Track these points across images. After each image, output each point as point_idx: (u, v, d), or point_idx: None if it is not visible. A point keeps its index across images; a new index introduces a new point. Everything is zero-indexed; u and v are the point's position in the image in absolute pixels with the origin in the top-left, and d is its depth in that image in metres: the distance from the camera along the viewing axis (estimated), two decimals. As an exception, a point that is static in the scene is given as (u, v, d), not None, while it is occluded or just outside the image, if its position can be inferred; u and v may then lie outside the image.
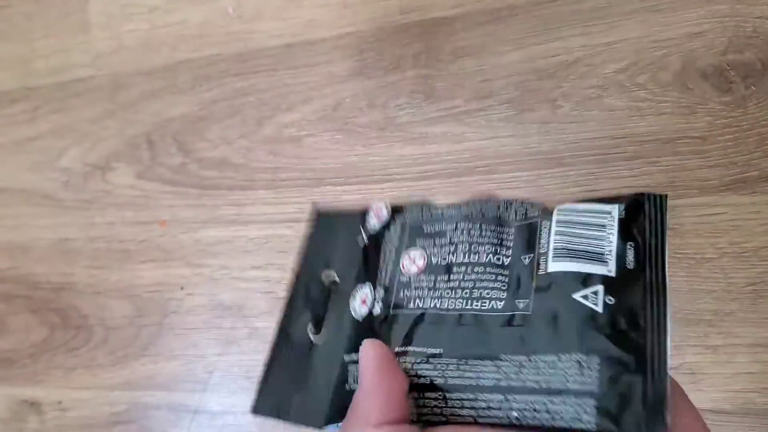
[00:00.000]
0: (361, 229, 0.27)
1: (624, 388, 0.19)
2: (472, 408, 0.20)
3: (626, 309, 0.20)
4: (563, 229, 0.22)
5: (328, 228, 0.27)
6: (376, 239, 0.26)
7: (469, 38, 0.45)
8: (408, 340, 0.23)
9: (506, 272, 0.23)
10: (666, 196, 0.22)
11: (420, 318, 0.23)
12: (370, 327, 0.24)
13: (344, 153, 0.48)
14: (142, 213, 0.53)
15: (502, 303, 0.22)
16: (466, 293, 0.23)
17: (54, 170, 0.54)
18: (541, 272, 0.22)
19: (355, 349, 0.23)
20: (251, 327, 0.51)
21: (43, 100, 0.54)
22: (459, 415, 0.20)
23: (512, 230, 0.24)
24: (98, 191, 0.53)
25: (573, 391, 0.19)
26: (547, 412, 0.19)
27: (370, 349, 0.22)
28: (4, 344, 0.57)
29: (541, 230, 0.23)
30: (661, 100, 0.41)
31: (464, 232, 0.24)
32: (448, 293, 0.23)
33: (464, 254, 0.23)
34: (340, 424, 0.22)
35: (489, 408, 0.20)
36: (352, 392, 0.22)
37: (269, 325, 0.49)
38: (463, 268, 0.23)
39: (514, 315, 0.22)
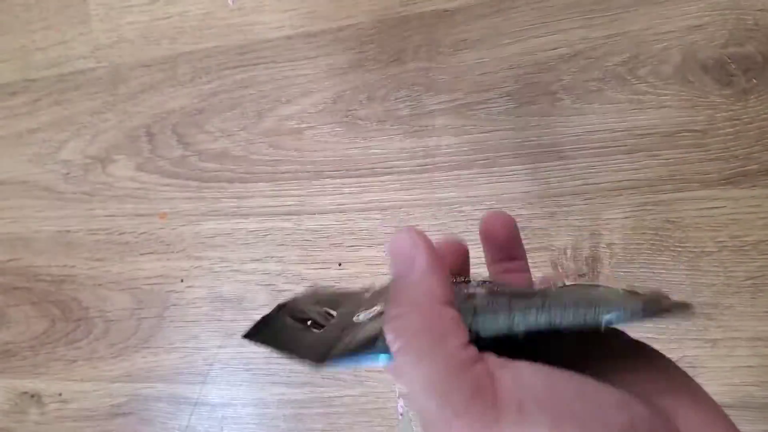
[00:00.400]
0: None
1: (654, 296, 0.19)
2: (510, 309, 0.19)
3: None
4: None
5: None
6: None
7: (469, 31, 0.44)
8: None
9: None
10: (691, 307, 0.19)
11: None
12: None
13: (344, 145, 0.48)
14: (142, 205, 0.53)
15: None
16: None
17: (54, 162, 0.54)
18: None
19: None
20: (251, 319, 0.50)
21: (43, 92, 0.54)
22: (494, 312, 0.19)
23: None
24: (98, 183, 0.53)
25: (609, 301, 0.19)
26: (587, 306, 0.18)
27: (413, 232, 0.20)
28: (5, 336, 0.58)
29: None
30: (662, 93, 0.41)
31: None
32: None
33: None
34: (371, 315, 0.21)
35: (528, 308, 0.19)
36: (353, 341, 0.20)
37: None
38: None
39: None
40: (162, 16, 0.51)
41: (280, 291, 0.50)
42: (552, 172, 0.43)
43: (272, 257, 0.50)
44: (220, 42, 0.50)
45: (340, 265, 0.48)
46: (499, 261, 0.27)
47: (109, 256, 0.54)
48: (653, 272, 0.43)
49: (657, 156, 0.42)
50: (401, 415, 0.48)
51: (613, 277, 0.43)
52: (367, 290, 0.26)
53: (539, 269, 0.44)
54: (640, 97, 0.42)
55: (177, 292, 0.53)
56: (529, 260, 0.28)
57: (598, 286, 0.22)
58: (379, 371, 0.48)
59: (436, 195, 0.46)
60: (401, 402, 0.48)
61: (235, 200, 0.50)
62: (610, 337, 0.21)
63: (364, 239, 0.48)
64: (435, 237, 0.22)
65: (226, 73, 0.50)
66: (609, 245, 0.43)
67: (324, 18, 0.48)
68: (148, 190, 0.52)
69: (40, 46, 0.54)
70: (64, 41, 0.54)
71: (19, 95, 0.55)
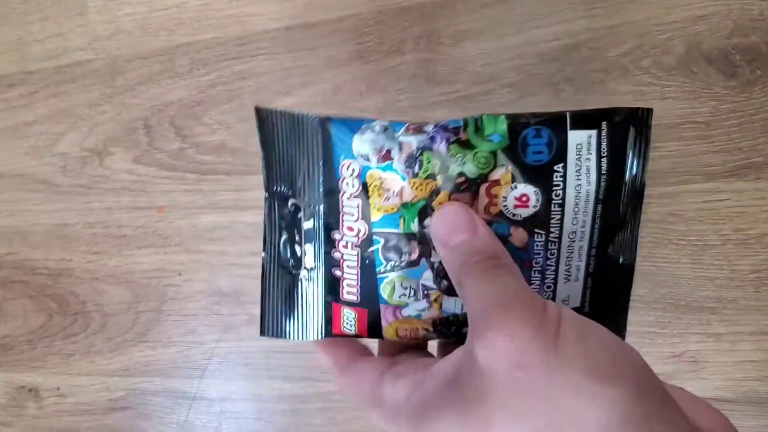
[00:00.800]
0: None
1: None
2: None
3: None
4: None
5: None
6: None
7: (470, 21, 0.44)
8: None
9: None
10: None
11: None
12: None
13: (343, 138, 0.47)
14: (140, 198, 0.52)
15: None
16: None
17: (51, 155, 0.54)
18: None
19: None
20: (249, 313, 0.50)
21: (40, 85, 0.54)
22: None
23: None
24: (96, 176, 0.53)
25: None
26: None
27: (462, 204, 0.23)
28: (2, 330, 0.57)
29: None
30: (665, 84, 0.41)
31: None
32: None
33: None
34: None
35: None
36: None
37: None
38: None
39: None
40: (160, 8, 0.51)
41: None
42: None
43: (271, 251, 0.49)
44: (219, 33, 0.49)
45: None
46: None
47: (106, 250, 0.54)
48: (656, 265, 0.42)
49: (660, 148, 0.41)
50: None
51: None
52: None
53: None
54: (643, 88, 0.41)
55: (175, 286, 0.52)
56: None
57: None
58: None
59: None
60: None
61: (233, 193, 0.50)
62: None
63: (363, 232, 0.47)
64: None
65: (224, 65, 0.49)
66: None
67: (323, 8, 0.47)
68: (146, 183, 0.52)
69: (37, 37, 0.54)
70: (62, 33, 0.53)
71: (16, 87, 0.55)
